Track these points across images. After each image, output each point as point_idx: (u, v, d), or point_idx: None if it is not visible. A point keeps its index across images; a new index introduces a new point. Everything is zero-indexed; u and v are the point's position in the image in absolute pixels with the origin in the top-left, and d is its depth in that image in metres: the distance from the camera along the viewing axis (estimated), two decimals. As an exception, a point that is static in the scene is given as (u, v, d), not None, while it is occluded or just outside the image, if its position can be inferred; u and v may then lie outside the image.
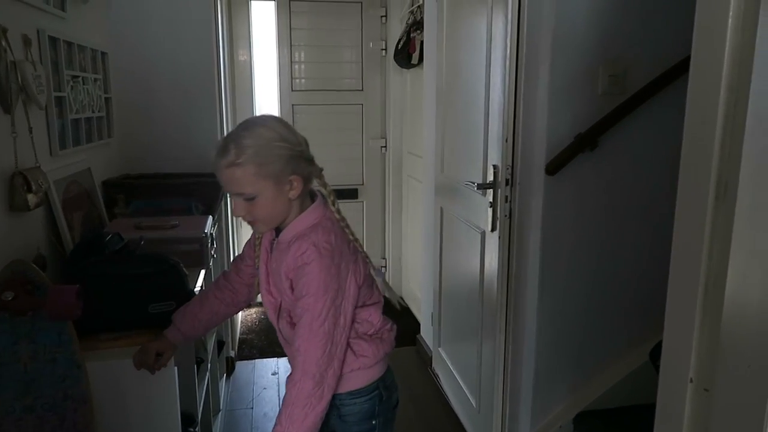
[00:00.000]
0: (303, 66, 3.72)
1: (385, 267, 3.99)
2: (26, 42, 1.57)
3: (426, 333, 3.07)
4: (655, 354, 1.76)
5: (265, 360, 3.07)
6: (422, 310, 3.18)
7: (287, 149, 1.15)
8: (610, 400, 1.98)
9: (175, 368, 1.36)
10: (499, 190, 1.92)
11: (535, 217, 1.87)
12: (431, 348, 2.88)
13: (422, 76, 2.99)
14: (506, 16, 1.81)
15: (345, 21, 3.68)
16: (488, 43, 1.97)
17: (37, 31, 1.66)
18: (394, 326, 1.33)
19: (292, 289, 1.19)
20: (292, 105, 3.70)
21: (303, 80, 3.73)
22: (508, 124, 1.84)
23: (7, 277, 1.18)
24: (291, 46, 3.66)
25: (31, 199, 1.47)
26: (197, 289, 1.65)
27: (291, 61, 3.68)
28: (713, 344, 0.76)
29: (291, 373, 1.17)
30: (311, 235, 1.17)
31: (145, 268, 1.46)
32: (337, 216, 1.22)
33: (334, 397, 1.19)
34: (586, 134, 1.76)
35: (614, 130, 1.79)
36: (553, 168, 1.76)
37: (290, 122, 3.60)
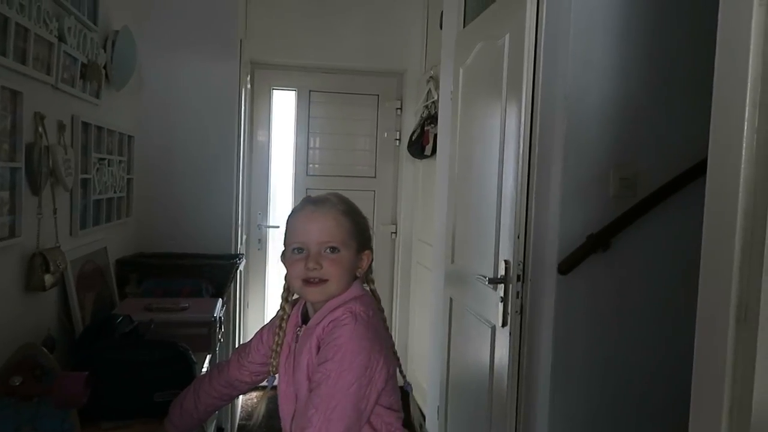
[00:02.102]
0: (318, 152, 3.83)
1: (391, 354, 3.91)
2: (60, 128, 1.63)
3: (431, 426, 2.96)
4: (673, 466, 1.68)
5: (264, 449, 2.96)
6: (428, 402, 3.09)
7: (369, 227, 1.20)
8: None
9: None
10: (511, 286, 1.91)
11: (547, 315, 1.85)
12: (436, 444, 2.78)
13: (434, 167, 3.06)
14: (519, 119, 1.88)
15: (361, 111, 3.83)
16: (501, 142, 2.04)
17: (72, 117, 1.73)
18: None
19: (309, 380, 1.07)
20: (306, 189, 3.78)
21: (317, 165, 3.83)
22: (520, 220, 1.87)
23: (17, 360, 1.18)
24: (308, 132, 3.79)
25: (48, 279, 1.49)
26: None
27: (307, 147, 3.80)
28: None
29: None
30: (349, 303, 1.09)
31: (154, 354, 1.44)
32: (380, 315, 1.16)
33: None
34: (599, 235, 1.78)
35: (626, 231, 1.81)
36: (565, 267, 1.77)
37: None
